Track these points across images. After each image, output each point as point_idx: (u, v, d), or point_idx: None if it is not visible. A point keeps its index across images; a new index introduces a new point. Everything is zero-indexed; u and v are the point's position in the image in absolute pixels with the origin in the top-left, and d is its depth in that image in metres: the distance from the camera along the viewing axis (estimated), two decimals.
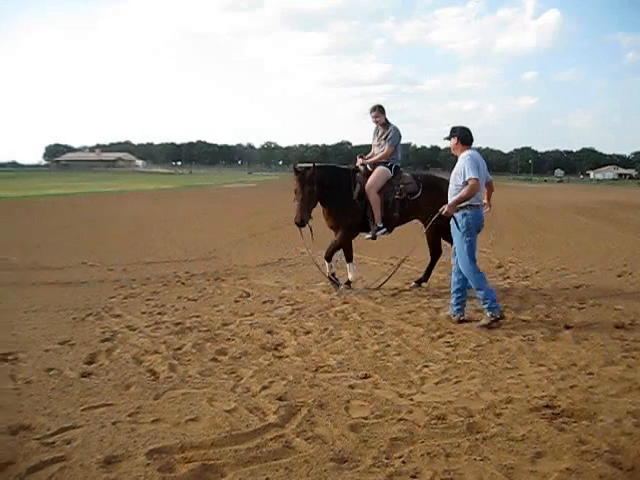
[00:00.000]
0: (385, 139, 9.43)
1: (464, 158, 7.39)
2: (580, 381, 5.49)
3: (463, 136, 7.59)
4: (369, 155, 9.75)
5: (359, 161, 9.58)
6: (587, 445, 4.19)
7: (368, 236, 9.34)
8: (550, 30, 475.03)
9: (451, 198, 7.44)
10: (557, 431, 4.41)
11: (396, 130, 9.48)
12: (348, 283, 9.39)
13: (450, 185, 7.58)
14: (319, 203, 9.14)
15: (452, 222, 7.46)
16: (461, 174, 7.33)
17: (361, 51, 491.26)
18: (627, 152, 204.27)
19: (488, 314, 7.28)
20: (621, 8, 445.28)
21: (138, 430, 4.34)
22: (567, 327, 7.27)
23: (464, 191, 7.24)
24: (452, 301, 7.62)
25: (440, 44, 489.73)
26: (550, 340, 6.77)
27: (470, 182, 7.22)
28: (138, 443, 4.13)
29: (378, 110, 9.45)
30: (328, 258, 9.35)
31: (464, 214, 7.32)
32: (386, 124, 9.51)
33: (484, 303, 7.34)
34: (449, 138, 7.67)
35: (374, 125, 9.70)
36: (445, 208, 7.36)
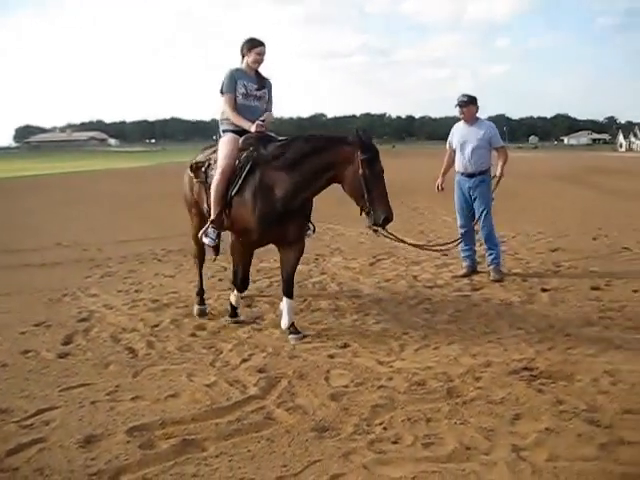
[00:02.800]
0: (269, 97, 6.53)
1: (488, 126, 8.12)
2: (558, 343, 5.54)
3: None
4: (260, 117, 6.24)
5: (260, 127, 6.06)
6: (565, 405, 4.25)
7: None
8: None
9: (480, 162, 7.97)
10: (535, 392, 4.46)
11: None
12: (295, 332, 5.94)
13: (472, 150, 7.95)
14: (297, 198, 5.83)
15: (484, 184, 7.99)
16: (488, 140, 7.96)
17: (336, 22, 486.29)
18: (600, 117, 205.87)
19: (499, 268, 8.07)
20: None
21: (117, 408, 4.31)
22: (544, 290, 7.33)
23: (506, 155, 8.12)
24: (469, 254, 8.26)
25: (412, 14, 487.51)
26: (527, 303, 6.83)
27: (504, 149, 8.17)
28: (118, 421, 4.11)
29: (265, 48, 6.36)
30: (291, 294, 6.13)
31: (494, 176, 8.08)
32: (261, 74, 6.46)
33: (496, 258, 8.05)
34: (465, 105, 8.01)
35: (239, 66, 6.41)
36: (501, 172, 7.97)
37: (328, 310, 6.68)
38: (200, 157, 6.63)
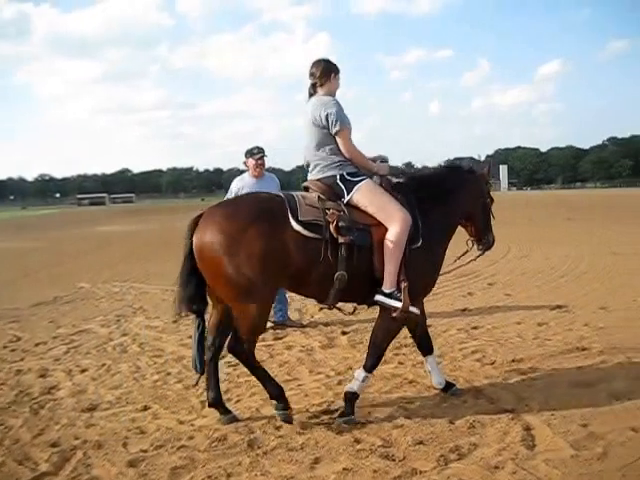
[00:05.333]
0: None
1: (274, 177, 8.40)
2: None
3: None
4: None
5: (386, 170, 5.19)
6: (362, 443, 4.43)
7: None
8: (321, 52, 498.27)
9: None
10: (334, 434, 4.60)
11: None
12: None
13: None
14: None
15: None
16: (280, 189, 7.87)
17: (136, 77, 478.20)
18: (399, 163, 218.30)
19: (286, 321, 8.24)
20: (381, 30, 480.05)
21: None
22: (343, 333, 7.63)
23: None
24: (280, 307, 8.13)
25: (216, 69, 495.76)
26: (328, 347, 7.05)
27: None
28: None
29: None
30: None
31: None
32: None
33: (283, 314, 8.19)
34: (262, 159, 8.11)
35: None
36: None
37: (128, 372, 6.45)
38: (306, 207, 4.74)
